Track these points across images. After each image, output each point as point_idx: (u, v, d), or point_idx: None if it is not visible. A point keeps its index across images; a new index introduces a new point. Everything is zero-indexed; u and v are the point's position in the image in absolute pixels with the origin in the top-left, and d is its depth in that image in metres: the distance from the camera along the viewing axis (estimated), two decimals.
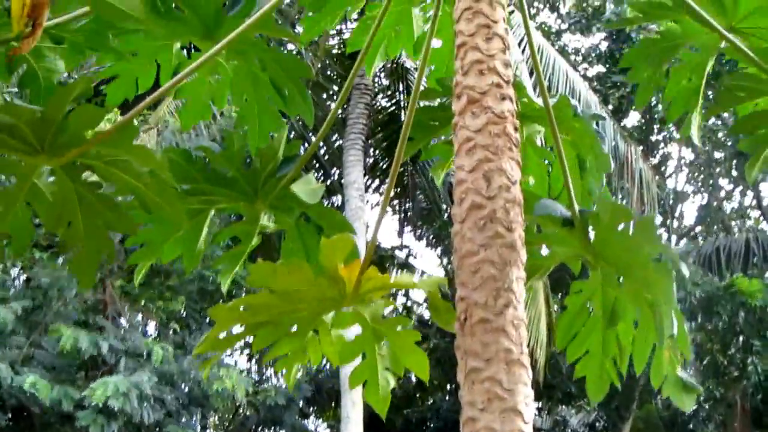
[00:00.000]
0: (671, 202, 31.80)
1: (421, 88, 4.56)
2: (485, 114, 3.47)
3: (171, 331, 21.90)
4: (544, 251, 4.66)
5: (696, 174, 33.25)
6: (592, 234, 4.33)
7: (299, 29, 19.55)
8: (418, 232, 29.45)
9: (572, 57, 30.80)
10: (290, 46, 19.70)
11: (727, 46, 4.55)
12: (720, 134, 30.28)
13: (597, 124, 5.07)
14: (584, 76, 27.43)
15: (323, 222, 4.66)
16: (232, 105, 5.08)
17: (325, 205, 5.84)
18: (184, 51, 4.92)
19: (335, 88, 24.43)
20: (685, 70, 4.96)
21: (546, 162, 5.18)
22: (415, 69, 21.42)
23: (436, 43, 5.04)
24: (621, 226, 4.19)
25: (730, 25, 4.59)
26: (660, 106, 27.95)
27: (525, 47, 18.39)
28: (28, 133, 3.68)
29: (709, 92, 5.13)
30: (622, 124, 28.27)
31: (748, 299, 24.32)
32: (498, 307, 3.19)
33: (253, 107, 4.83)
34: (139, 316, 23.15)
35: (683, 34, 4.76)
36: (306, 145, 22.88)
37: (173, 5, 4.56)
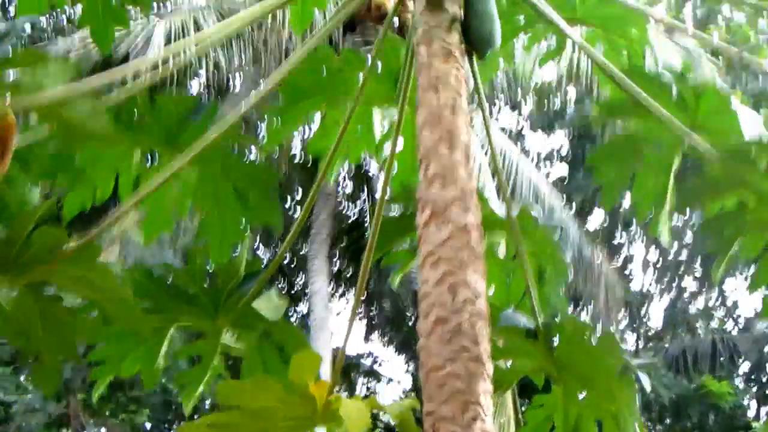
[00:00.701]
0: (637, 303, 31.85)
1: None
2: (449, 226, 3.47)
3: None
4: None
5: (661, 275, 33.40)
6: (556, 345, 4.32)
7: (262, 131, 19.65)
8: (385, 338, 29.31)
9: (535, 158, 31.04)
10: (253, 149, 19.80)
11: (690, 146, 4.57)
12: (686, 234, 30.48)
13: (560, 230, 5.09)
14: (547, 177, 27.62)
15: (285, 340, 4.60)
16: (195, 215, 5.04)
17: (290, 313, 5.80)
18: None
19: (298, 196, 24.50)
20: (651, 169, 4.97)
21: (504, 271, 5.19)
22: (378, 168, 21.55)
23: (398, 145, 5.05)
24: (584, 338, 4.18)
25: (693, 123, 4.62)
26: (622, 208, 28.18)
27: (487, 149, 18.52)
28: None
29: None
30: (585, 226, 28.40)
31: (717, 401, 24.30)
32: (466, 420, 3.16)
33: (215, 218, 4.80)
34: (104, 430, 22.81)
35: (648, 134, 4.77)
36: (270, 253, 22.87)
37: (135, 113, 4.56)
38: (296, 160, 23.02)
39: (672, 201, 4.95)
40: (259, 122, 20.53)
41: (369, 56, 4.84)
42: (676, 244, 31.10)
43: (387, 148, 5.12)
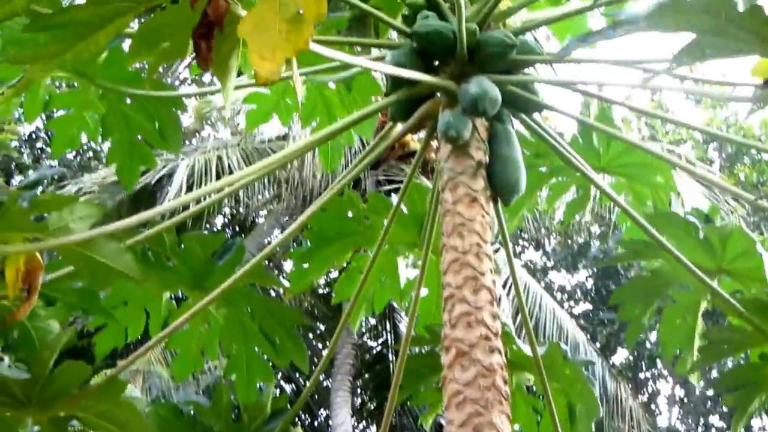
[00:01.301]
0: None
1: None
2: (474, 367, 3.48)
3: None
4: None
5: (687, 412, 32.91)
6: None
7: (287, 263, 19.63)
8: None
9: (558, 294, 30.92)
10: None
11: (714, 291, 4.56)
12: (713, 371, 30.08)
13: (587, 368, 5.07)
14: (571, 314, 27.48)
15: None
16: (222, 354, 5.07)
17: None
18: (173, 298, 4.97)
19: (322, 327, 24.43)
20: (679, 309, 4.96)
21: (534, 409, 5.16)
22: (402, 308, 21.46)
23: (423, 291, 5.07)
24: None
25: (720, 267, 4.62)
26: (647, 344, 27.95)
27: (510, 286, 18.48)
28: (16, 389, 3.69)
29: None
30: (610, 361, 28.14)
31: None
32: None
33: (242, 357, 4.82)
34: None
35: (673, 273, 4.77)
36: (293, 386, 22.71)
37: (163, 256, 4.62)
38: (320, 292, 23.06)
39: (703, 341, 4.93)
40: (282, 260, 20.60)
41: (393, 196, 4.90)
42: (702, 381, 30.72)
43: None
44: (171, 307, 4.96)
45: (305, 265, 5.20)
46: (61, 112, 5.07)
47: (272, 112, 5.36)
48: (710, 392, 31.31)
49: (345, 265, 5.43)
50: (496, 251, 14.00)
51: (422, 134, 4.49)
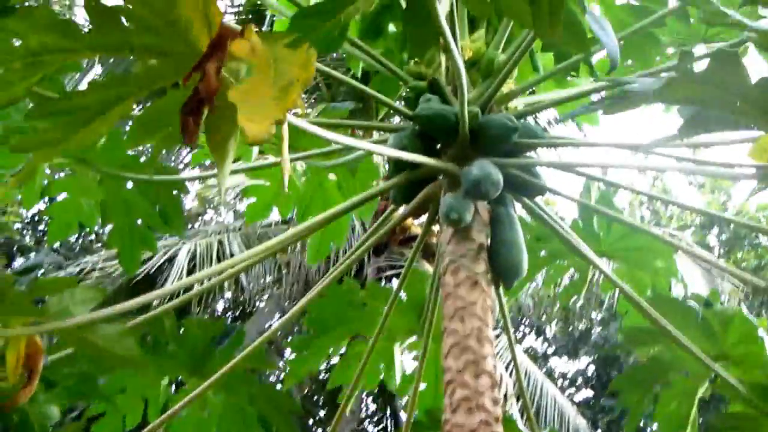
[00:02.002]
0: None
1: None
2: None
3: None
4: None
5: None
6: None
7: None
8: None
9: (559, 381, 30.75)
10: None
11: (716, 377, 4.51)
12: None
13: None
14: (572, 401, 27.30)
15: None
16: None
17: None
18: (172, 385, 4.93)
19: (321, 413, 24.27)
20: (675, 393, 4.90)
21: None
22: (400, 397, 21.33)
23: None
24: None
25: (721, 351, 4.58)
26: (647, 428, 27.72)
27: (512, 371, 18.38)
28: None
29: None
30: None
31: None
32: None
33: None
34: None
35: (673, 360, 4.74)
36: None
37: (162, 341, 4.59)
38: (321, 377, 22.96)
39: (694, 429, 4.86)
40: (283, 343, 20.54)
41: (395, 280, 4.89)
42: None
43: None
44: (169, 394, 4.92)
45: (304, 353, 5.16)
46: (62, 196, 5.05)
47: (272, 204, 5.35)
48: None
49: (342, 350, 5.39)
50: (497, 336, 13.98)
51: (424, 218, 4.48)
